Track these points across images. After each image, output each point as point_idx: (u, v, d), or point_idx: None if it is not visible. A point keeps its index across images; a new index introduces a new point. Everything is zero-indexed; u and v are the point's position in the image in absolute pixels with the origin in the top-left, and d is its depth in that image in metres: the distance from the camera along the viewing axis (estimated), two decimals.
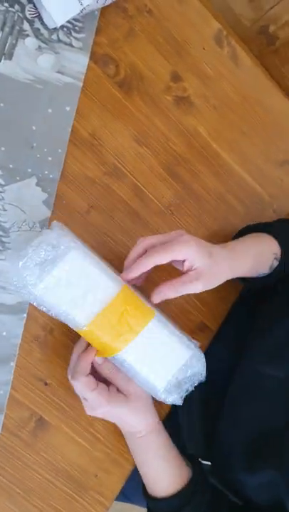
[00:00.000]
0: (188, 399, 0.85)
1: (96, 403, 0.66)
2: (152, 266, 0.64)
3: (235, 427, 0.73)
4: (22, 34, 0.74)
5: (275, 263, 0.75)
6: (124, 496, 0.98)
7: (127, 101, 0.80)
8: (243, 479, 0.70)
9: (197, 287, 0.64)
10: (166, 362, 0.66)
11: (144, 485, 0.73)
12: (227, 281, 0.79)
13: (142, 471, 0.73)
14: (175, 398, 0.67)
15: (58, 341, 0.74)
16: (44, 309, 0.64)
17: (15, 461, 0.72)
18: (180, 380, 0.67)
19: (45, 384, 0.73)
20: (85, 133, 0.77)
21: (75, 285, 0.63)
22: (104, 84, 0.79)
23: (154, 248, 0.65)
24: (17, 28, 0.74)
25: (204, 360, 0.68)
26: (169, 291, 0.64)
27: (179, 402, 0.67)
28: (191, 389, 0.68)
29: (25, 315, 0.72)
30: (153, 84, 0.82)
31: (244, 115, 0.88)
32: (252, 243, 0.75)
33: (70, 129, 0.76)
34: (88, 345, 0.68)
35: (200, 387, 0.86)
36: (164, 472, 0.71)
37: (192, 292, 0.64)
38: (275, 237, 0.76)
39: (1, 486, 0.71)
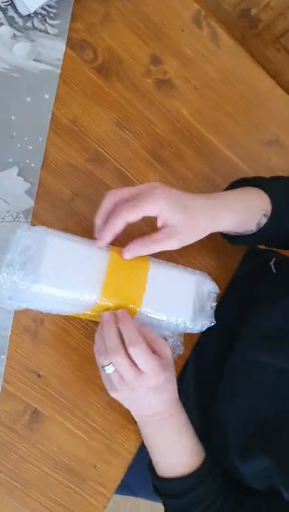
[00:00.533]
0: (184, 387, 0.84)
1: (155, 371, 0.61)
2: (123, 225, 0.61)
3: (230, 413, 0.72)
4: None
5: (264, 220, 0.70)
6: (129, 489, 0.97)
7: (107, 86, 0.79)
8: (239, 467, 0.68)
9: (172, 245, 0.63)
10: (180, 295, 0.68)
11: (151, 465, 0.72)
12: (218, 264, 0.79)
13: (155, 451, 0.70)
14: (206, 321, 0.69)
15: (49, 332, 0.73)
16: (46, 309, 0.63)
17: (11, 454, 0.70)
18: (201, 304, 0.68)
19: (38, 376, 0.72)
20: (65, 120, 0.76)
21: (69, 267, 0.62)
22: (82, 70, 0.78)
23: (124, 205, 0.61)
24: None
25: (209, 277, 0.71)
26: (141, 249, 0.63)
27: (213, 322, 0.69)
28: (214, 304, 0.70)
29: None
30: (132, 68, 0.81)
31: (227, 95, 0.87)
32: (240, 196, 0.69)
33: (50, 117, 0.75)
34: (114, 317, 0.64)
35: (196, 372, 0.86)
36: (182, 453, 0.68)
37: (168, 249, 0.63)
38: (267, 192, 0.70)
39: None
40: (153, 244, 0.63)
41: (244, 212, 0.68)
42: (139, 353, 0.60)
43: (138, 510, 1.65)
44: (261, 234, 0.71)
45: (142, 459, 0.77)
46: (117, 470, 0.75)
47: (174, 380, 0.66)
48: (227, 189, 0.75)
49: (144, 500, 1.27)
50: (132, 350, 0.60)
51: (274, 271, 0.85)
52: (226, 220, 0.67)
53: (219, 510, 0.67)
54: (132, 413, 0.69)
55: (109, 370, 0.62)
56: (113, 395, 0.65)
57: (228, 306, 0.83)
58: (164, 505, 0.72)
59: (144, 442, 0.71)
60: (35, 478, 0.71)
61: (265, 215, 0.70)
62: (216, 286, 0.71)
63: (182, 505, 0.68)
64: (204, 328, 0.69)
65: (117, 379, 0.62)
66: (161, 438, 0.69)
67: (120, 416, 0.75)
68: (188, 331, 0.69)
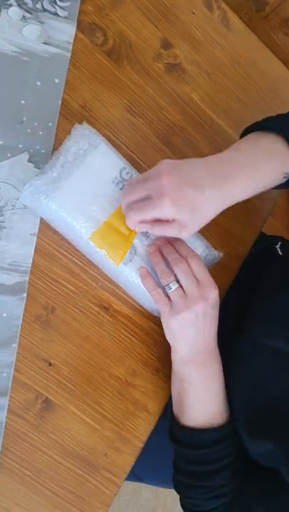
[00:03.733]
0: None
1: (212, 282, 0.66)
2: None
3: (233, 395, 0.72)
4: (5, 4, 0.71)
5: (283, 180, 0.66)
6: (135, 476, 0.97)
7: (117, 70, 0.78)
8: (245, 444, 0.68)
9: (182, 236, 0.64)
10: None
11: (173, 416, 0.72)
12: (229, 252, 0.78)
13: (190, 397, 0.69)
14: None
15: (60, 320, 0.72)
16: (61, 213, 0.66)
17: (23, 443, 0.70)
18: None
19: (49, 364, 0.71)
20: (75, 105, 0.75)
21: (84, 197, 0.67)
22: (92, 54, 0.76)
23: (135, 205, 0.64)
24: None
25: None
26: (148, 228, 0.65)
27: None
28: None
29: (25, 294, 0.70)
30: (143, 52, 0.79)
31: (238, 80, 0.85)
32: (257, 161, 0.64)
33: (60, 102, 0.74)
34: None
35: None
36: (216, 403, 0.69)
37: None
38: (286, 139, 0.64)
39: (11, 470, 0.70)
40: (160, 231, 0.64)
41: (262, 182, 0.65)
42: (199, 264, 0.66)
43: (140, 493, 1.67)
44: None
45: (148, 445, 0.77)
46: (128, 458, 0.75)
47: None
48: (242, 136, 0.71)
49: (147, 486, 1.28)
50: (191, 261, 0.66)
51: (280, 253, 0.85)
52: (238, 197, 0.65)
53: (236, 472, 0.67)
54: (178, 351, 0.69)
55: (175, 285, 0.66)
56: (172, 321, 0.66)
57: (235, 290, 0.83)
58: (181, 458, 0.71)
59: (177, 387, 0.71)
60: (47, 466, 0.71)
61: (286, 176, 0.66)
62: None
63: (205, 457, 0.68)
64: None
65: (179, 296, 0.66)
66: (201, 382, 0.69)
67: (131, 404, 0.75)
68: None
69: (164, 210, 0.61)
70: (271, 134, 0.65)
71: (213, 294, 0.66)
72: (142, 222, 0.64)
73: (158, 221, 0.64)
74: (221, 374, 0.70)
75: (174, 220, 0.63)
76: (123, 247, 0.68)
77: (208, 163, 0.63)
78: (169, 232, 0.63)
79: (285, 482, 0.61)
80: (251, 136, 0.67)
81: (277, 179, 0.65)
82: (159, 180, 0.61)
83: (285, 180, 0.66)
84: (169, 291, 0.67)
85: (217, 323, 0.69)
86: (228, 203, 0.64)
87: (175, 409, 0.72)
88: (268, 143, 0.65)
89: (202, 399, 0.69)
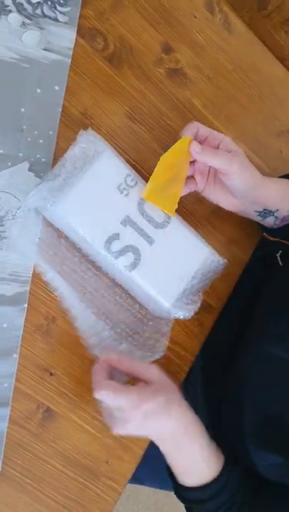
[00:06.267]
0: (192, 383, 0.84)
1: (134, 403, 0.61)
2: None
3: (241, 407, 0.72)
4: (4, 10, 0.70)
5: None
6: (135, 479, 0.98)
7: (118, 76, 0.77)
8: (252, 457, 0.69)
9: (232, 166, 0.68)
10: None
11: (172, 473, 0.71)
12: (230, 259, 0.78)
13: (176, 466, 0.69)
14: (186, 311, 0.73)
15: (61, 330, 0.72)
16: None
17: (25, 453, 0.70)
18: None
19: (51, 374, 0.71)
20: (76, 112, 0.74)
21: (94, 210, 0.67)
22: (93, 60, 0.76)
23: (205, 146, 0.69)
24: None
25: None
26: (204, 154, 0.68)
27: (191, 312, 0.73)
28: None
29: (25, 305, 0.70)
30: (144, 56, 0.79)
31: (240, 85, 0.84)
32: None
33: (60, 109, 0.73)
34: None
35: (204, 369, 0.85)
36: (203, 465, 0.68)
37: (223, 168, 0.68)
38: None
39: (12, 479, 0.70)
40: (214, 155, 0.68)
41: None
42: (106, 395, 0.61)
43: (140, 489, 1.68)
44: None
45: (148, 449, 0.77)
46: (129, 465, 0.76)
47: (175, 397, 0.66)
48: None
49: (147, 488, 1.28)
50: (97, 395, 0.62)
51: (280, 263, 0.85)
52: (274, 185, 0.73)
53: (242, 502, 0.68)
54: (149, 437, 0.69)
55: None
56: (118, 431, 0.64)
57: (236, 297, 0.83)
58: (189, 508, 0.73)
59: (165, 457, 0.70)
60: (48, 475, 0.72)
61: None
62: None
63: (208, 508, 0.68)
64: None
65: (108, 414, 0.65)
66: (180, 455, 0.68)
67: None
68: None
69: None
70: None
71: (136, 414, 0.62)
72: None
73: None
74: (201, 435, 0.68)
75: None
76: (174, 199, 0.70)
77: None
78: (223, 155, 0.68)
79: None
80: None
81: None
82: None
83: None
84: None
85: (173, 406, 0.65)
86: (266, 181, 0.74)
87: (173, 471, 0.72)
88: None
89: (186, 467, 0.69)
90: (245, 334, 0.77)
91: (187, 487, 0.69)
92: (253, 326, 0.76)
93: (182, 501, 0.72)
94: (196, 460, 0.68)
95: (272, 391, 0.68)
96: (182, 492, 0.70)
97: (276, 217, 0.74)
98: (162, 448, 0.68)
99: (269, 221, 0.75)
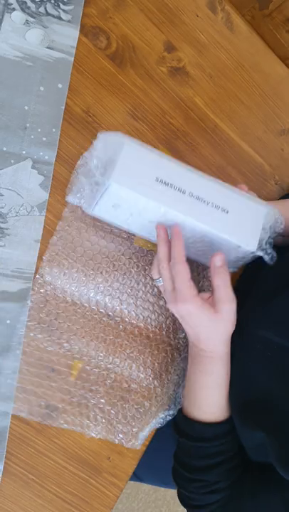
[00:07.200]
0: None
1: (184, 294, 0.63)
2: None
3: (230, 385, 0.72)
4: (8, 8, 0.71)
5: None
6: (135, 476, 0.98)
7: (121, 74, 0.77)
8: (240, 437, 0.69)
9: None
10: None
11: (180, 411, 0.72)
12: None
13: (198, 390, 0.70)
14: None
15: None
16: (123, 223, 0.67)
17: (27, 448, 0.71)
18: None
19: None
20: (78, 110, 0.74)
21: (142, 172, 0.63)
22: (96, 58, 0.76)
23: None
24: (2, 1, 0.70)
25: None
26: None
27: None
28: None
29: (29, 302, 0.70)
30: (147, 55, 0.79)
31: (242, 83, 0.85)
32: None
33: (63, 107, 0.73)
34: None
35: None
36: (222, 398, 0.69)
37: None
38: None
39: (15, 474, 0.70)
40: None
41: None
42: (178, 271, 0.63)
43: (140, 487, 1.68)
44: None
45: (149, 447, 0.77)
46: (130, 461, 0.76)
47: (227, 325, 0.66)
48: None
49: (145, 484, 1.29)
50: (172, 266, 0.64)
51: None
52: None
53: (232, 469, 0.68)
54: (188, 335, 0.69)
55: (159, 282, 0.69)
56: (168, 306, 0.67)
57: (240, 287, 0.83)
58: (182, 450, 0.72)
59: (187, 380, 0.71)
60: (51, 470, 0.72)
61: None
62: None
63: (204, 451, 0.68)
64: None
65: (163, 290, 0.69)
66: (207, 377, 0.69)
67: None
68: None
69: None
70: None
71: (181, 307, 0.64)
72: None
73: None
74: (228, 372, 0.70)
75: None
76: None
77: None
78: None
79: (277, 479, 0.62)
80: None
81: None
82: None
83: None
84: (157, 283, 0.71)
85: (220, 329, 0.67)
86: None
87: (185, 400, 0.72)
88: None
89: (209, 394, 0.69)
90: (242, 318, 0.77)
91: (192, 420, 0.69)
92: (250, 310, 0.77)
93: (179, 435, 0.71)
94: (213, 393, 0.69)
95: (254, 369, 0.68)
96: (184, 424, 0.70)
97: None
98: (194, 363, 0.69)
99: None
